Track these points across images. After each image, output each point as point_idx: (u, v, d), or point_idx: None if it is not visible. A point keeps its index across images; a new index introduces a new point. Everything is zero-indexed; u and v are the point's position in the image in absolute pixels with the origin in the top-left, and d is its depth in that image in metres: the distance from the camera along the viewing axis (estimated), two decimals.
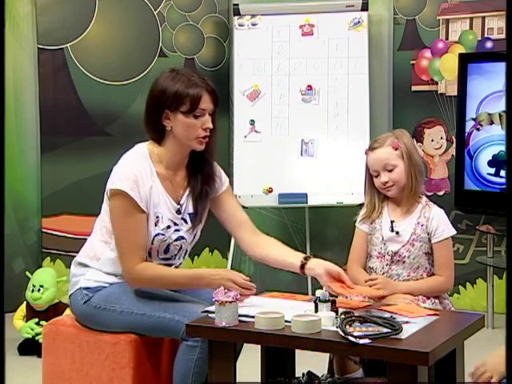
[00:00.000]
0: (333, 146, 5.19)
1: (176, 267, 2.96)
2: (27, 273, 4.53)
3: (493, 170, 4.80)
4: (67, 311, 4.07)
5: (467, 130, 4.88)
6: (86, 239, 3.03)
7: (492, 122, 4.80)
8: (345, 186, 5.10)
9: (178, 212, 2.91)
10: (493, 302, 4.86)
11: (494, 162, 4.79)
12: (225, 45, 5.68)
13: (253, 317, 2.53)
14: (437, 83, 5.26)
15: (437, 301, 3.03)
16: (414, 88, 5.32)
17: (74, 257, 3.02)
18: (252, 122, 5.23)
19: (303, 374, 2.90)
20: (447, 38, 5.23)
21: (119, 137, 5.19)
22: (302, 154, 5.21)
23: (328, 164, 5.16)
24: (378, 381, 2.94)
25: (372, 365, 2.98)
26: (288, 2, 5.37)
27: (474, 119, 4.87)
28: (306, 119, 5.20)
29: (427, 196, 3.21)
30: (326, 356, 3.09)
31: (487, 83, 4.79)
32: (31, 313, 4.38)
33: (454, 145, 5.06)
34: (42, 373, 3.00)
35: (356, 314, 2.53)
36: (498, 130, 4.77)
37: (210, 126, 2.84)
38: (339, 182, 5.13)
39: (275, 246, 3.03)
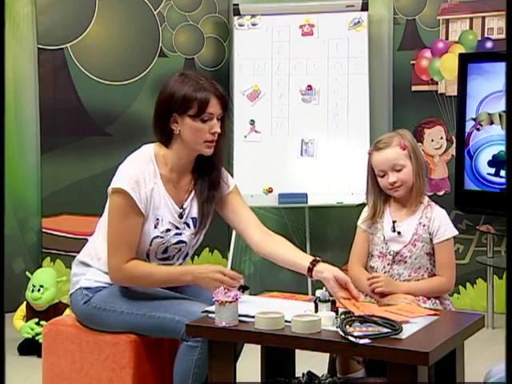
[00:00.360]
0: (333, 146, 5.19)
1: None
2: (27, 273, 4.53)
3: (493, 170, 4.80)
4: (67, 311, 4.08)
5: (467, 129, 4.88)
6: (86, 239, 3.03)
7: (492, 122, 4.80)
8: (345, 186, 5.11)
9: (180, 216, 2.90)
10: (493, 302, 4.86)
11: (494, 162, 4.79)
12: (225, 45, 5.68)
13: (253, 317, 2.53)
14: (437, 83, 5.26)
15: (437, 301, 3.03)
16: (413, 88, 5.32)
17: (74, 257, 3.02)
18: (252, 122, 5.23)
19: (303, 374, 2.90)
20: (447, 38, 5.23)
21: (119, 137, 5.19)
22: (302, 154, 5.21)
23: (328, 164, 5.16)
24: (377, 381, 2.94)
25: (374, 365, 2.98)
26: (288, 2, 5.37)
27: (474, 119, 4.87)
28: (306, 119, 5.20)
29: (428, 196, 3.21)
30: (326, 356, 3.09)
31: (487, 83, 4.79)
32: (31, 313, 4.38)
33: (454, 145, 5.06)
34: (42, 373, 3.00)
35: (356, 314, 2.53)
36: (498, 130, 4.77)
37: (218, 130, 2.84)
38: (339, 181, 5.13)
39: (285, 245, 2.99)
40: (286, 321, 2.50)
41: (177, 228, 2.89)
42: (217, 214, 3.04)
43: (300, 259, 2.91)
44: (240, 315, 2.57)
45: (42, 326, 4.01)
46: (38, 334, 4.21)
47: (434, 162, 5.23)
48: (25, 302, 4.42)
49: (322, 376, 2.95)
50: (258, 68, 5.26)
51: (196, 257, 5.42)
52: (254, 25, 5.28)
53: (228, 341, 2.58)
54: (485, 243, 5.04)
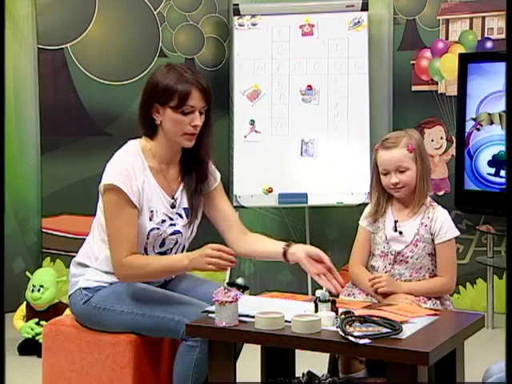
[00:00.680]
0: (333, 146, 5.18)
1: None
2: (27, 273, 4.53)
3: (493, 170, 4.80)
4: (67, 311, 4.07)
5: (467, 129, 4.88)
6: (86, 239, 3.03)
7: (492, 122, 4.80)
8: (345, 186, 5.11)
9: (173, 206, 2.91)
10: (493, 302, 4.86)
11: (494, 162, 4.79)
12: (225, 45, 5.68)
13: (253, 317, 2.53)
14: (437, 83, 5.26)
15: (438, 301, 3.03)
16: (413, 88, 5.32)
17: (74, 257, 3.02)
18: (252, 122, 5.23)
19: (303, 374, 2.90)
20: (447, 38, 5.23)
21: (119, 137, 5.13)
22: (301, 154, 5.20)
23: (328, 164, 5.16)
24: (377, 381, 2.94)
25: (376, 365, 2.98)
26: (288, 2, 5.37)
27: (474, 119, 4.87)
28: (306, 119, 5.20)
29: (429, 196, 3.20)
30: (326, 356, 3.09)
31: (487, 83, 4.79)
32: (31, 313, 4.38)
33: (454, 145, 5.06)
34: (42, 373, 3.00)
35: (356, 314, 2.53)
36: (498, 130, 4.77)
37: (199, 123, 2.85)
38: (339, 181, 5.13)
39: (259, 239, 3.04)
40: (286, 321, 2.49)
41: (170, 219, 2.90)
42: None
43: (274, 247, 2.95)
44: (240, 315, 2.57)
45: (41, 326, 4.01)
46: (38, 334, 4.21)
47: (434, 162, 5.22)
48: (25, 302, 4.42)
49: (322, 376, 2.95)
50: (257, 68, 5.26)
51: None
52: (254, 25, 5.28)
53: (228, 341, 2.58)
54: (485, 243, 5.04)
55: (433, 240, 3.09)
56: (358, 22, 5.20)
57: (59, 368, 2.94)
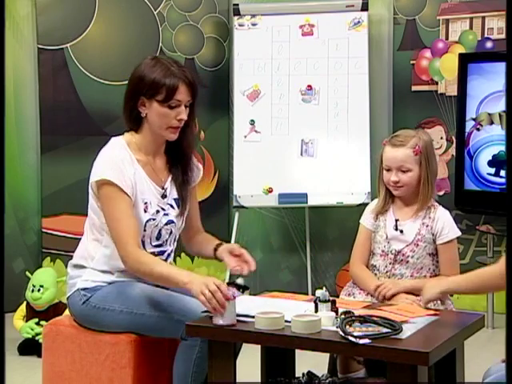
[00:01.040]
0: (333, 146, 5.18)
1: (168, 254, 2.96)
2: (27, 273, 4.53)
3: (493, 170, 4.80)
4: (67, 311, 4.07)
5: (467, 130, 4.88)
6: (80, 241, 3.03)
7: (492, 122, 4.80)
8: (345, 186, 5.11)
9: (163, 196, 2.92)
10: (493, 302, 4.86)
11: (494, 162, 4.79)
12: (225, 45, 5.67)
13: (253, 317, 2.53)
14: (437, 83, 5.26)
15: (438, 302, 3.02)
16: (414, 88, 5.32)
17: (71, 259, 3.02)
18: (252, 122, 5.23)
19: (303, 374, 2.90)
20: (447, 38, 5.23)
21: None
22: (302, 154, 5.20)
23: (328, 164, 5.16)
24: (377, 381, 2.94)
25: (374, 365, 2.98)
26: (288, 2, 5.37)
27: (474, 119, 4.87)
28: (306, 119, 5.20)
29: None
30: (326, 356, 3.09)
31: (487, 83, 4.79)
32: (31, 313, 4.38)
33: (454, 145, 5.06)
34: (42, 373, 3.00)
35: (356, 314, 2.53)
36: (498, 130, 4.77)
37: (184, 117, 2.86)
38: (339, 182, 5.13)
39: (204, 241, 3.07)
40: (286, 321, 2.49)
41: (163, 209, 2.91)
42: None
43: (209, 248, 2.99)
44: (240, 315, 2.57)
45: (41, 326, 4.00)
46: (38, 334, 4.21)
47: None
48: (25, 302, 4.42)
49: (322, 376, 2.95)
50: (258, 68, 5.26)
51: (196, 256, 5.42)
52: (254, 25, 5.28)
53: (228, 341, 2.58)
54: (485, 243, 5.04)
55: (434, 240, 3.10)
56: (358, 22, 5.20)
57: (59, 368, 2.94)
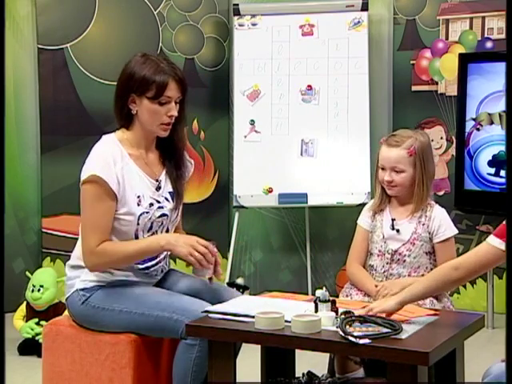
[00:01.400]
0: (333, 146, 5.18)
1: None
2: (27, 273, 4.53)
3: (493, 170, 4.79)
4: (67, 311, 4.08)
5: (467, 130, 4.88)
6: (76, 242, 3.03)
7: (492, 122, 4.80)
8: (345, 186, 5.11)
9: (158, 188, 2.93)
10: (493, 302, 4.86)
11: (494, 162, 4.79)
12: (225, 45, 5.67)
13: (253, 317, 2.53)
14: (437, 83, 5.26)
15: (435, 301, 3.02)
16: (414, 88, 5.32)
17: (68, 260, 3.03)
18: (252, 122, 5.23)
19: (303, 374, 2.90)
20: (447, 38, 5.23)
21: None
22: (302, 154, 5.20)
23: (328, 164, 5.16)
24: (377, 381, 2.94)
25: (373, 365, 2.98)
26: (288, 2, 5.37)
27: (474, 119, 4.86)
28: (306, 119, 5.20)
29: None
30: (326, 356, 3.09)
31: (487, 83, 4.79)
32: (31, 313, 4.38)
33: (454, 145, 5.06)
34: (42, 373, 3.00)
35: (356, 314, 2.53)
36: (498, 130, 4.77)
37: (175, 113, 2.87)
38: (339, 181, 5.13)
39: None
40: (286, 321, 2.50)
41: (158, 202, 2.92)
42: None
43: None
44: (240, 315, 2.57)
45: (41, 326, 4.00)
46: (38, 334, 4.21)
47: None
48: (25, 302, 4.42)
49: (322, 376, 2.95)
50: (258, 68, 5.26)
51: None
52: (254, 25, 5.28)
53: (228, 341, 2.58)
54: None
55: (430, 239, 3.10)
56: (358, 22, 5.20)
57: (59, 368, 2.94)
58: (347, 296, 3.13)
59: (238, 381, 2.65)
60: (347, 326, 2.42)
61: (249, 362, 2.92)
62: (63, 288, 3.22)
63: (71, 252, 3.01)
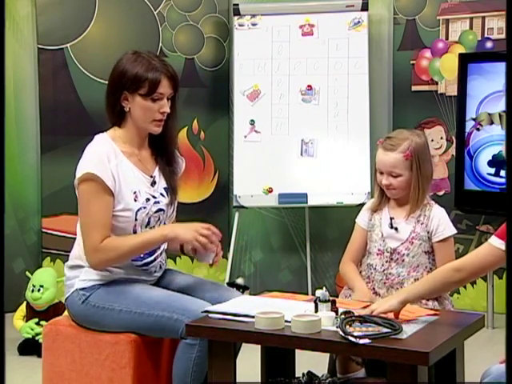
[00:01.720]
0: (333, 146, 5.18)
1: None
2: (27, 273, 4.53)
3: (493, 170, 4.79)
4: (67, 312, 4.08)
5: (467, 130, 4.88)
6: (74, 243, 3.04)
7: (492, 122, 4.80)
8: (345, 186, 5.11)
9: (153, 183, 2.94)
10: (493, 302, 4.86)
11: (494, 162, 4.78)
12: (225, 45, 5.67)
13: (253, 317, 2.53)
14: (437, 83, 5.25)
15: (435, 303, 3.02)
16: (414, 88, 5.32)
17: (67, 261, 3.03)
18: (252, 122, 5.23)
19: (303, 374, 2.90)
20: (447, 38, 5.23)
21: None
22: (302, 154, 5.20)
23: (328, 164, 5.16)
24: (377, 381, 2.94)
25: (374, 365, 2.98)
26: (288, 2, 5.37)
27: (474, 119, 4.86)
28: (306, 119, 5.20)
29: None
30: (326, 356, 3.09)
31: (487, 83, 4.79)
32: (31, 313, 4.38)
33: (454, 145, 5.06)
34: (42, 373, 3.00)
35: (356, 314, 2.53)
36: (498, 130, 4.77)
37: (167, 110, 2.89)
38: (339, 181, 5.13)
39: None
40: (286, 321, 2.50)
41: (154, 197, 2.93)
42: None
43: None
44: (240, 315, 2.57)
45: (41, 326, 4.00)
46: (38, 334, 4.21)
47: (434, 162, 5.22)
48: (25, 302, 4.42)
49: (322, 376, 2.95)
50: (258, 68, 5.25)
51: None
52: (254, 25, 5.28)
53: (228, 341, 2.58)
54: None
55: (429, 238, 3.10)
56: (358, 21, 5.20)
57: (59, 368, 2.94)
58: (346, 297, 3.12)
59: (238, 381, 2.65)
60: (347, 326, 2.42)
61: (249, 362, 2.92)
62: (63, 288, 3.22)
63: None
